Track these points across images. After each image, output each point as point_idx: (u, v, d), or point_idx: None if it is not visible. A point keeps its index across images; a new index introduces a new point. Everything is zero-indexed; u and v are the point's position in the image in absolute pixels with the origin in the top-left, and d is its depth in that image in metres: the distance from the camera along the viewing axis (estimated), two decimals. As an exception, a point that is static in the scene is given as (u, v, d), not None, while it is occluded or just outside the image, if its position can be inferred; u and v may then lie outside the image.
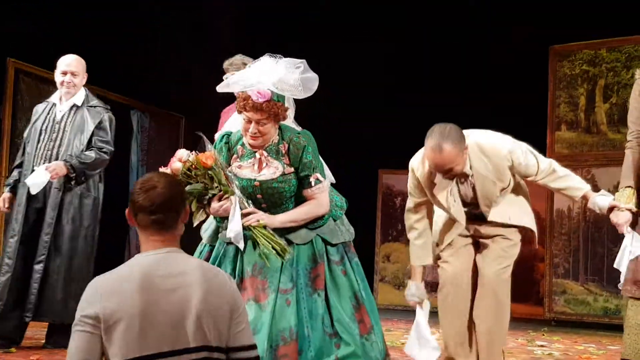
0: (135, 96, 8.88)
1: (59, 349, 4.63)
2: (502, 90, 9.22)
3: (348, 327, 3.34)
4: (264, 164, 3.39)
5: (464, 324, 3.74)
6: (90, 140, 4.86)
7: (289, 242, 3.35)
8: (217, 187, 3.30)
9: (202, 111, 9.12)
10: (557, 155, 8.81)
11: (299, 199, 3.46)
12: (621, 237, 3.78)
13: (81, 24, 7.57)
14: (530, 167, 3.67)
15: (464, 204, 3.74)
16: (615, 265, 3.73)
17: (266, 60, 3.32)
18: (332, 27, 9.64)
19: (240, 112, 3.36)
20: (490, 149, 3.63)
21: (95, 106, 4.96)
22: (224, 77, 3.87)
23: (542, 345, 6.08)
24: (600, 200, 3.58)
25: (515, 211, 3.76)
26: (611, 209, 3.54)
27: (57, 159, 4.78)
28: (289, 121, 3.55)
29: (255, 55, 3.66)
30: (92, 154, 4.82)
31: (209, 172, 3.28)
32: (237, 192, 3.33)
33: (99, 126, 4.90)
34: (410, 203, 3.82)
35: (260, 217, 3.32)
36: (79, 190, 4.84)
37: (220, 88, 3.39)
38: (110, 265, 2.58)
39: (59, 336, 4.72)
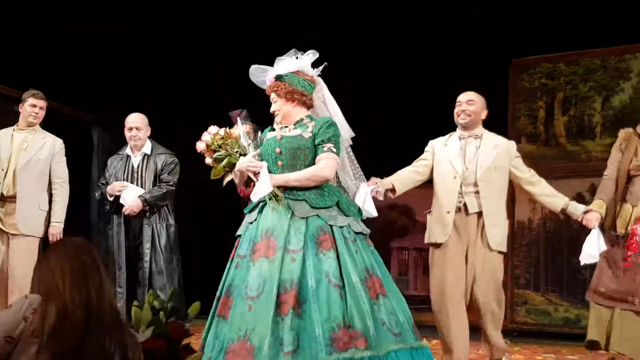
0: (96, 112, 8.82)
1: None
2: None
3: (354, 286, 3.66)
4: (292, 129, 4.01)
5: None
6: (158, 179, 5.89)
7: (292, 214, 3.82)
8: (238, 152, 3.99)
9: (164, 127, 9.08)
10: (518, 167, 8.94)
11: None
12: (579, 247, 4.72)
13: (38, 36, 7.43)
14: (522, 164, 4.63)
15: (462, 184, 4.48)
16: (583, 254, 4.49)
17: (288, 57, 4.06)
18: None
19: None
20: (501, 139, 4.72)
21: (162, 153, 5.98)
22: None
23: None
24: (579, 206, 4.52)
25: (500, 233, 4.53)
26: (586, 211, 4.50)
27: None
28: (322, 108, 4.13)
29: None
30: (161, 188, 5.85)
31: (234, 140, 4.01)
32: (260, 157, 3.98)
33: (164, 167, 5.91)
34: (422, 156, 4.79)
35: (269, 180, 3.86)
36: (164, 222, 5.86)
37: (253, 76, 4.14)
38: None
39: None
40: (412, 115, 8.95)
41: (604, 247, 4.41)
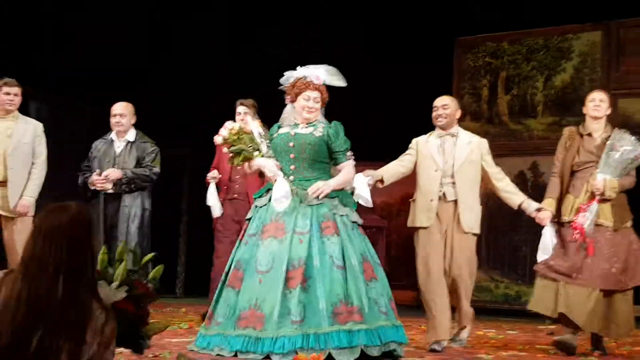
0: (34, 85, 8.64)
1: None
2: (408, 81, 9.31)
3: (353, 268, 4.23)
4: (304, 127, 4.58)
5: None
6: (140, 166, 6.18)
7: (300, 201, 4.38)
8: (252, 147, 4.59)
9: (109, 99, 8.91)
10: (461, 145, 9.01)
11: (322, 167, 4.56)
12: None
13: (38, 36, 7.41)
14: (491, 161, 5.27)
15: (442, 176, 5.14)
16: (540, 251, 5.07)
17: (312, 66, 4.63)
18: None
19: (298, 95, 4.56)
20: (474, 136, 5.35)
21: (145, 142, 6.25)
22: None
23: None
24: (532, 203, 5.16)
25: (473, 218, 5.16)
26: (538, 209, 5.10)
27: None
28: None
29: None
30: (145, 171, 6.16)
31: (248, 135, 4.62)
32: (270, 154, 4.56)
33: (145, 155, 6.20)
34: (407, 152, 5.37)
35: (325, 188, 4.40)
36: (140, 206, 6.13)
37: (284, 81, 4.65)
38: None
39: None
40: (412, 114, 8.93)
41: (550, 242, 5.02)
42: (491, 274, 8.96)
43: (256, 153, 4.59)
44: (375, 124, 9.21)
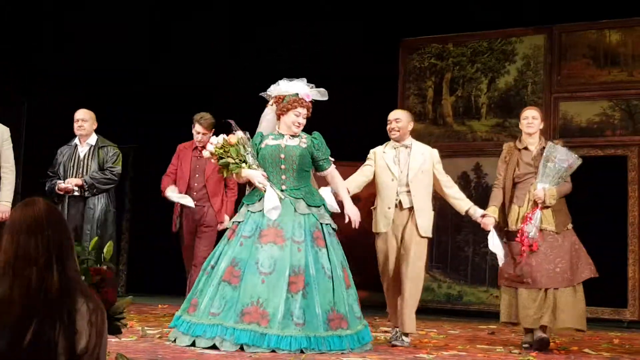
0: (34, 84, 8.59)
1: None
2: (353, 82, 9.32)
3: (338, 277, 4.87)
4: (289, 139, 5.09)
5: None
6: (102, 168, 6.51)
7: (294, 210, 4.90)
8: (239, 160, 4.98)
9: (44, 95, 8.77)
10: (406, 145, 9.06)
11: (307, 175, 5.12)
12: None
13: (38, 36, 7.33)
14: (442, 170, 5.68)
15: (398, 185, 5.52)
16: (493, 250, 5.55)
17: (295, 81, 5.14)
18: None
19: (289, 110, 5.05)
20: (426, 147, 5.75)
21: (106, 145, 6.58)
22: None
23: (385, 331, 6.20)
24: (478, 210, 5.61)
25: (426, 223, 5.56)
26: (483, 216, 5.57)
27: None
28: None
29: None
30: (105, 174, 6.48)
31: (234, 148, 4.99)
32: (256, 165, 5.00)
33: (107, 158, 6.53)
34: (366, 163, 5.77)
35: (355, 215, 5.18)
36: (104, 207, 6.47)
37: (275, 92, 5.14)
38: None
39: None
40: (358, 115, 8.95)
41: (499, 243, 5.51)
42: (434, 274, 9.02)
43: (243, 165, 5.00)
44: (326, 124, 9.21)
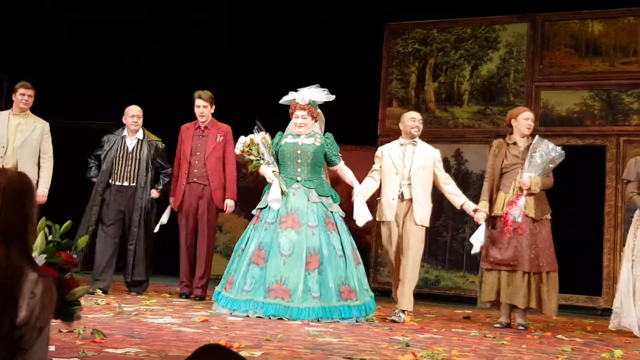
0: None
1: None
2: (337, 66, 9.32)
3: (348, 256, 5.66)
4: (305, 138, 5.90)
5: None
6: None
7: (308, 199, 5.72)
8: (260, 157, 5.85)
9: (27, 71, 8.71)
10: (389, 130, 9.07)
11: (319, 170, 5.89)
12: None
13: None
14: (442, 168, 6.24)
15: (401, 178, 6.07)
16: (471, 240, 6.08)
17: (306, 89, 5.90)
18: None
19: (292, 114, 5.91)
20: (429, 147, 6.25)
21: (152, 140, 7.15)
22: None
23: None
24: (471, 205, 6.08)
25: (423, 213, 6.08)
26: (475, 210, 6.02)
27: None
28: (319, 126, 6.05)
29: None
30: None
31: (255, 147, 5.85)
32: (273, 163, 5.85)
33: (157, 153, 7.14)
34: (374, 167, 6.29)
35: (362, 191, 5.95)
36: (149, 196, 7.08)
37: (282, 101, 5.94)
38: None
39: None
40: (341, 99, 8.94)
41: (482, 238, 5.97)
42: (412, 259, 9.07)
43: (262, 162, 5.85)
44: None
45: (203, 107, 6.88)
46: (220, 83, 9.14)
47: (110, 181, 6.95)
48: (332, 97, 5.92)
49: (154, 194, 7.01)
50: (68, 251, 2.89)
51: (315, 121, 5.98)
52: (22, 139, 6.75)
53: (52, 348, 3.18)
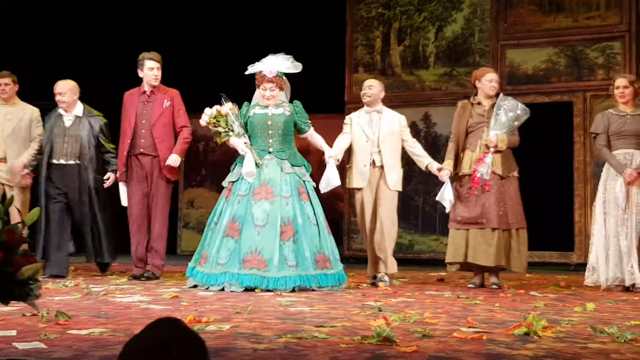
0: None
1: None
2: (301, 32, 9.21)
3: (322, 225, 5.69)
4: (273, 108, 5.82)
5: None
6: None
7: (281, 169, 5.67)
8: (228, 129, 5.71)
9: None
10: (355, 96, 8.99)
11: (290, 139, 5.84)
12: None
13: None
14: (408, 133, 6.38)
15: (371, 145, 6.17)
16: (437, 199, 6.15)
17: (273, 56, 5.78)
18: None
19: (259, 86, 5.80)
20: (395, 113, 6.39)
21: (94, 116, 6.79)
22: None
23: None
24: (435, 164, 6.17)
25: (395, 178, 6.20)
26: (439, 169, 6.08)
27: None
28: (285, 94, 5.95)
29: None
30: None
31: (223, 118, 5.71)
32: (244, 135, 5.73)
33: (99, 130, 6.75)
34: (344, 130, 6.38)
35: (334, 153, 5.97)
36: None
37: (248, 71, 5.77)
38: None
39: None
40: (307, 66, 8.83)
41: (450, 194, 6.00)
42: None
43: (231, 133, 5.70)
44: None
45: (157, 69, 6.27)
46: (176, 48, 9.02)
47: (51, 161, 6.56)
48: (299, 68, 5.80)
49: (112, 178, 6.56)
50: (15, 231, 2.77)
51: (282, 90, 5.87)
52: (11, 127, 6.75)
53: (13, 332, 3.10)
